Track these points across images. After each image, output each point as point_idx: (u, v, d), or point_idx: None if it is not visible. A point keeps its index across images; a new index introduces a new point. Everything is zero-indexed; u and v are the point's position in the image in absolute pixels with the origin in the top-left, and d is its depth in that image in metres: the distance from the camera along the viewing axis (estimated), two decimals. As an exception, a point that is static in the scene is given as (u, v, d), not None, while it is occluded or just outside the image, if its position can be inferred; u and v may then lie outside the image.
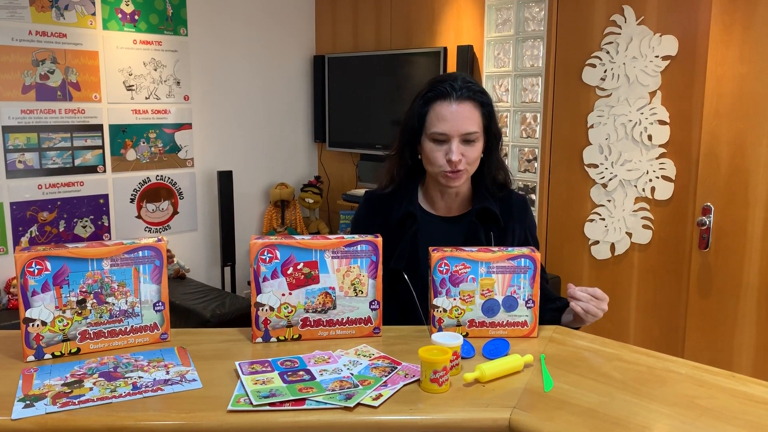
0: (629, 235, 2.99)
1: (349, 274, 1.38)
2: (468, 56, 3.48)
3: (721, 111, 2.63)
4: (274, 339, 1.38)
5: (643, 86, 2.88)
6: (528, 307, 1.40)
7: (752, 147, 2.56)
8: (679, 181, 2.83)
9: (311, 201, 4.42)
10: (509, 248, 1.42)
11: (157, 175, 3.85)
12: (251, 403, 1.07)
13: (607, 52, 2.97)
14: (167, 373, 1.20)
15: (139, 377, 1.18)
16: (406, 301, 1.55)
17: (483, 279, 1.39)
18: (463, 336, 1.37)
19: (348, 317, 1.40)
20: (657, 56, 2.83)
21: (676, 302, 2.87)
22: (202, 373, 1.20)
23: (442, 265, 1.38)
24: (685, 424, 1.01)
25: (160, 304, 1.36)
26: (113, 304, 1.32)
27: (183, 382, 1.16)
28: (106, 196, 3.66)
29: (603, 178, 3.05)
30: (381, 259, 1.40)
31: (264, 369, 1.21)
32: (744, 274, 2.63)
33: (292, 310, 1.37)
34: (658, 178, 2.88)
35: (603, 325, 3.10)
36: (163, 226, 3.90)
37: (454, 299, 1.39)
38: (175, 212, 3.95)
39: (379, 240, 1.40)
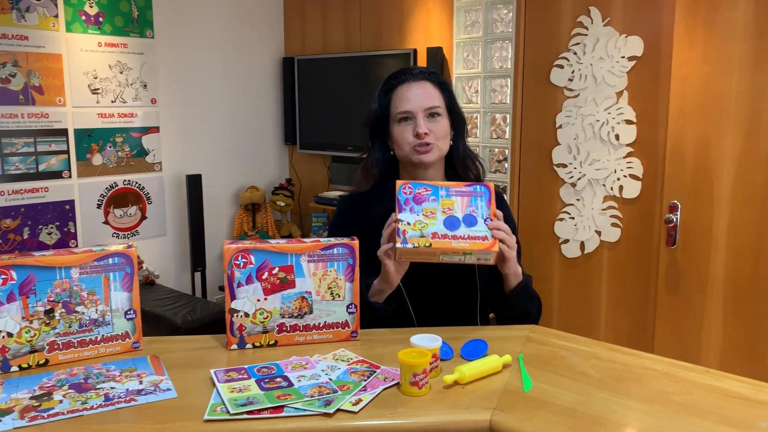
0: (598, 233, 3.03)
1: (326, 277, 1.37)
2: (437, 58, 3.50)
3: (686, 110, 2.68)
4: (249, 345, 1.36)
5: (609, 86, 2.92)
6: (486, 224, 1.44)
7: (716, 145, 2.61)
8: (647, 180, 2.87)
9: (283, 204, 4.39)
10: None
11: (125, 180, 3.78)
12: (228, 412, 1.05)
13: (575, 53, 3.00)
14: (140, 383, 1.18)
15: (111, 388, 1.15)
16: (395, 299, 1.56)
17: (443, 200, 1.46)
18: (426, 246, 1.41)
19: (325, 321, 1.39)
20: (623, 57, 2.87)
21: (645, 299, 2.92)
22: (177, 382, 1.18)
23: (406, 188, 1.46)
24: (662, 420, 1.03)
25: (132, 312, 1.33)
26: (83, 313, 1.28)
27: (157, 392, 1.14)
28: (72, 202, 3.58)
29: (572, 177, 3.08)
30: (358, 262, 1.39)
31: (240, 376, 1.19)
32: (710, 270, 2.68)
33: (267, 316, 1.35)
34: (625, 176, 2.92)
35: (574, 322, 3.14)
36: (131, 232, 3.83)
37: (418, 215, 1.44)
38: (144, 217, 3.89)
39: (356, 243, 1.39)
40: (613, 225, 2.98)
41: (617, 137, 2.92)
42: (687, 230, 2.73)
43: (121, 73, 3.71)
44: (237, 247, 1.32)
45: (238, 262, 1.32)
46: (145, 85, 3.81)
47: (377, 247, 1.49)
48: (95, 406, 1.09)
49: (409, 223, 1.43)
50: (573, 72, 3.02)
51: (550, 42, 3.08)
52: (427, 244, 1.41)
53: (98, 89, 3.62)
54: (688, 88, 2.66)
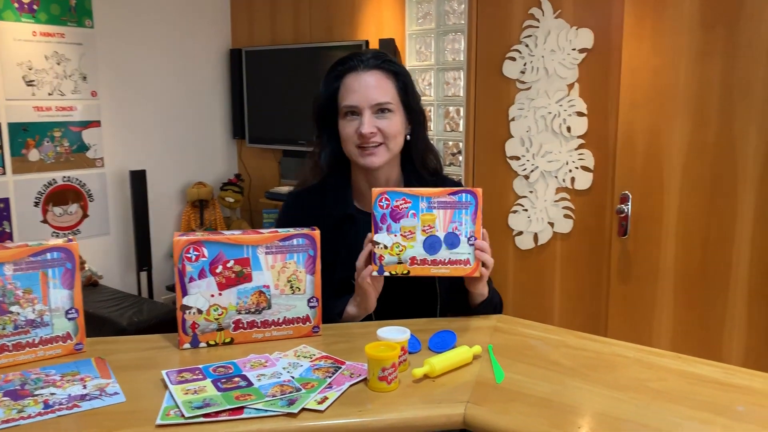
0: (551, 224, 3.04)
1: (285, 270, 1.29)
2: (390, 50, 3.45)
3: (636, 102, 2.71)
4: (203, 344, 1.27)
5: (561, 79, 2.93)
6: (470, 244, 1.35)
7: (666, 136, 2.65)
8: (598, 171, 2.90)
9: (232, 200, 4.27)
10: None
11: (64, 177, 3.60)
12: (183, 416, 0.97)
13: (527, 45, 3.00)
14: (84, 387, 1.08)
15: (51, 394, 1.05)
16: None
17: (424, 214, 1.34)
18: (404, 274, 1.34)
19: (285, 317, 1.31)
20: (574, 49, 2.89)
21: (598, 289, 2.94)
22: (125, 386, 1.09)
23: (383, 200, 1.33)
24: (640, 408, 1.01)
25: (74, 311, 1.23)
26: (18, 314, 1.18)
27: (103, 397, 1.05)
28: (6, 200, 3.38)
29: (525, 169, 3.08)
30: (319, 253, 1.32)
31: (195, 377, 1.11)
32: (661, 260, 2.72)
33: (222, 312, 1.27)
34: (577, 168, 2.94)
35: (528, 314, 3.12)
36: (72, 231, 3.65)
37: (395, 235, 1.34)
38: (85, 215, 3.71)
39: (317, 233, 1.32)
40: (566, 216, 3.00)
41: (569, 129, 2.93)
42: (638, 220, 2.77)
43: (59, 64, 3.53)
44: (188, 239, 1.24)
45: (189, 255, 1.23)
46: (84, 77, 3.64)
47: (330, 252, 1.40)
48: (33, 415, 0.99)
49: (386, 247, 1.33)
50: (525, 64, 3.02)
51: (502, 34, 3.07)
52: (405, 272, 1.35)
53: (33, 81, 3.43)
54: (638, 80, 2.70)
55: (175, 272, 1.23)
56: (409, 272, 1.34)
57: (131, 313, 3.16)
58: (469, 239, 1.35)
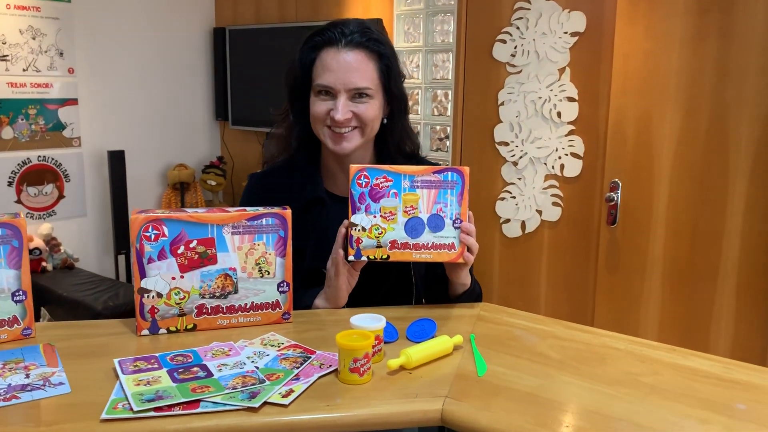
0: (539, 212, 2.98)
1: (253, 252, 1.20)
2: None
3: (628, 88, 2.65)
4: (163, 330, 1.18)
5: (552, 63, 2.86)
6: (455, 227, 1.25)
7: (657, 123, 2.59)
8: (588, 158, 2.83)
9: (214, 183, 4.17)
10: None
11: (39, 156, 3.48)
12: (131, 409, 0.88)
13: (517, 28, 2.92)
14: (27, 376, 0.99)
15: (-11, 384, 0.96)
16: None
17: (406, 194, 1.24)
18: (383, 258, 1.24)
19: (252, 302, 1.22)
20: (566, 32, 2.81)
21: (585, 278, 2.89)
22: (73, 375, 0.99)
23: (361, 178, 1.23)
24: (633, 404, 0.93)
25: (21, 293, 1.13)
26: (-41, 297, 1.09)
27: (46, 387, 0.96)
28: (-23, 179, 3.27)
29: (513, 156, 3.01)
30: (290, 233, 1.22)
31: (150, 366, 1.02)
32: (650, 249, 2.67)
33: (184, 296, 1.18)
34: (567, 155, 2.88)
35: (514, 303, 3.07)
36: (47, 212, 3.54)
37: (374, 216, 1.24)
38: (61, 196, 3.60)
39: (288, 212, 1.22)
40: (554, 204, 2.94)
41: (559, 115, 2.86)
42: (627, 209, 2.71)
43: (34, 39, 3.40)
44: (147, 216, 1.14)
45: (148, 234, 1.13)
46: (61, 53, 3.51)
47: (299, 239, 1.29)
48: (-35, 407, 0.90)
49: (363, 229, 1.24)
50: (515, 47, 2.94)
51: (493, 16, 2.99)
52: (385, 257, 1.25)
53: (7, 56, 3.31)
54: (630, 65, 2.62)
55: (132, 252, 1.14)
56: (389, 257, 1.25)
57: (107, 297, 3.07)
58: (454, 222, 1.26)
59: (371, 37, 1.32)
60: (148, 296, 1.16)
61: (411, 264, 1.41)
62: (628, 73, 2.63)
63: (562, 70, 2.84)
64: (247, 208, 1.21)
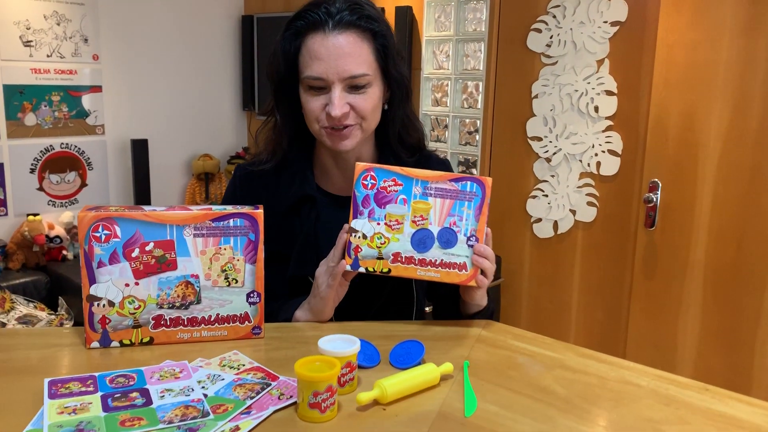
0: (573, 212, 2.83)
1: (218, 257, 1.05)
2: (407, 18, 3.22)
3: (671, 81, 2.47)
4: (116, 344, 1.04)
5: (590, 54, 2.70)
6: (468, 245, 1.10)
7: (702, 119, 2.41)
8: (626, 156, 2.67)
9: (238, 174, 4.10)
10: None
11: (62, 143, 3.45)
12: (43, 446, 0.75)
13: (554, 17, 2.76)
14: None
15: None
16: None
17: (417, 202, 1.09)
18: (384, 272, 1.09)
19: (218, 314, 1.07)
20: (605, 22, 2.65)
21: (620, 283, 2.73)
22: (-4, 397, 0.86)
23: (368, 178, 1.09)
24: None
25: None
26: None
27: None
28: (0, 165, 3.25)
29: (547, 152, 2.86)
30: (261, 237, 1.07)
31: (84, 389, 0.88)
32: (690, 255, 2.50)
33: (140, 306, 1.04)
34: (604, 152, 2.72)
35: (544, 306, 2.95)
36: (69, 200, 3.51)
37: (378, 224, 1.09)
38: (84, 184, 3.57)
39: (259, 213, 1.06)
40: (589, 204, 2.78)
41: (596, 109, 2.70)
42: (667, 211, 2.54)
43: (58, 24, 3.36)
44: (96, 215, 1.00)
45: (98, 235, 1.00)
46: (86, 40, 3.46)
47: (284, 242, 1.15)
48: None
49: (364, 236, 1.09)
50: (551, 37, 2.78)
51: (528, 3, 2.84)
52: (385, 270, 1.10)
53: (31, 41, 3.27)
54: (674, 56, 2.45)
55: (80, 254, 1.01)
56: (390, 271, 1.10)
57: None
58: (468, 239, 1.10)
59: (362, 14, 1.14)
60: (98, 305, 1.02)
61: (413, 284, 1.27)
62: (671, 65, 2.46)
63: (600, 62, 2.67)
64: (213, 207, 1.07)
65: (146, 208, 1.04)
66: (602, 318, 2.80)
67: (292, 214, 1.22)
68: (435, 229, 1.10)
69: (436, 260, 1.10)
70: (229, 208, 1.06)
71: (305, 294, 1.19)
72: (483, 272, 1.11)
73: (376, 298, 1.24)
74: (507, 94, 2.97)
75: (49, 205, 3.43)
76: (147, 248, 1.02)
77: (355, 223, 1.10)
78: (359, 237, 1.10)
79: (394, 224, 1.10)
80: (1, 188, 3.26)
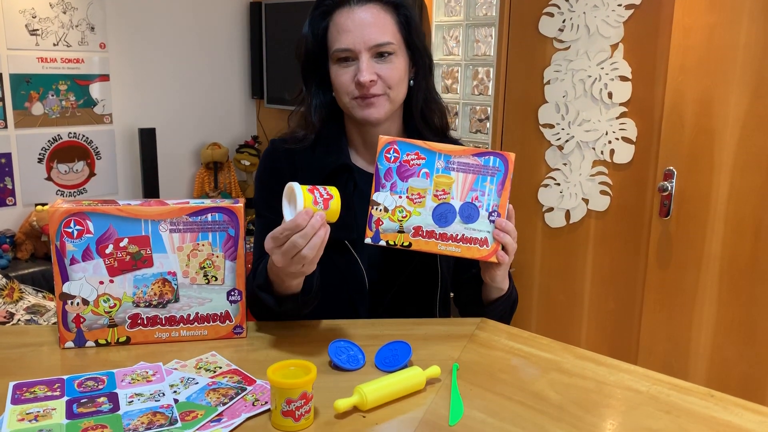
0: (585, 201, 2.77)
1: (197, 253, 1.02)
2: (416, 3, 3.16)
3: (687, 66, 2.40)
4: (91, 343, 1.02)
5: (604, 38, 2.62)
6: (490, 221, 1.10)
7: (719, 105, 2.34)
8: (640, 143, 2.60)
9: (248, 163, 4.07)
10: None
11: (70, 133, 3.44)
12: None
13: (566, 0, 2.69)
14: None
15: None
16: (349, 276, 1.23)
17: (439, 176, 1.09)
18: (404, 246, 1.08)
19: (197, 313, 1.04)
20: (620, 5, 2.57)
21: (634, 273, 2.67)
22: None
23: (390, 151, 1.09)
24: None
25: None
26: None
27: None
28: (8, 155, 3.24)
29: (559, 139, 2.80)
30: (242, 233, 1.05)
31: (50, 394, 0.84)
32: (706, 245, 2.43)
33: (115, 304, 1.01)
34: (617, 139, 2.65)
35: (555, 297, 2.90)
36: (77, 190, 3.51)
37: (400, 197, 1.09)
38: (92, 174, 3.56)
39: (239, 207, 1.04)
40: (602, 192, 2.72)
41: (610, 95, 2.63)
42: (683, 200, 2.48)
43: (65, 13, 3.33)
44: (68, 209, 0.97)
45: (69, 230, 0.97)
46: (92, 28, 3.44)
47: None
48: None
49: (386, 209, 1.09)
50: (564, 21, 2.71)
51: (540, -14, 2.76)
52: (406, 243, 1.09)
53: (37, 30, 3.25)
54: (691, 40, 2.37)
55: (52, 250, 0.98)
56: (410, 244, 1.09)
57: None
58: (490, 214, 1.09)
59: None
60: (71, 303, 0.99)
61: (438, 262, 1.27)
62: (688, 49, 2.38)
63: (614, 47, 2.60)
64: (190, 201, 1.04)
65: (121, 202, 1.02)
66: (615, 309, 2.74)
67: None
68: (457, 204, 1.10)
69: (457, 235, 1.10)
70: (207, 202, 1.03)
71: (341, 255, 1.21)
72: (504, 248, 1.11)
73: (400, 273, 1.26)
74: (518, 81, 2.90)
75: (57, 194, 3.42)
76: (121, 244, 0.99)
77: (377, 196, 1.10)
78: (381, 210, 1.10)
79: (416, 198, 1.09)
80: (9, 178, 3.26)
